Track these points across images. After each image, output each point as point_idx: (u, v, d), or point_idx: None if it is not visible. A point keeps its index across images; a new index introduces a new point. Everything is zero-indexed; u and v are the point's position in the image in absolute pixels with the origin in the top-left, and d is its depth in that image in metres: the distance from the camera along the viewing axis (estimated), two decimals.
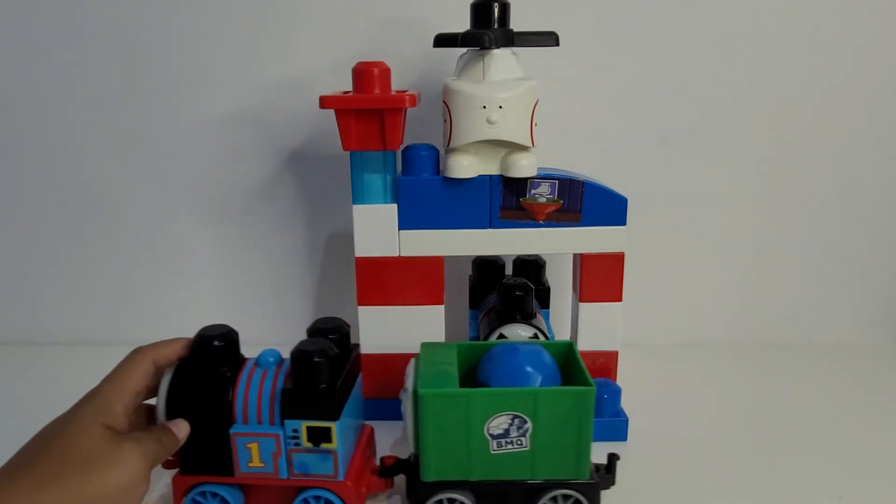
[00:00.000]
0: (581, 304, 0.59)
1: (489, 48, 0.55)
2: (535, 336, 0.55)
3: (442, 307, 0.59)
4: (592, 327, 0.60)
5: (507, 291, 0.56)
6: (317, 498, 0.46)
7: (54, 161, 0.74)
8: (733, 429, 0.60)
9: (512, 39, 0.55)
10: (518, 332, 0.55)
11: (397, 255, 0.58)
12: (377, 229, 0.58)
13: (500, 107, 0.53)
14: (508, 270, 0.70)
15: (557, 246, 0.58)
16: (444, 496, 0.46)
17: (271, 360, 0.47)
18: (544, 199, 0.57)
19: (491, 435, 0.45)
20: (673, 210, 0.74)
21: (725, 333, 0.77)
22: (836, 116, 0.71)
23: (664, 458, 0.56)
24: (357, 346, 0.51)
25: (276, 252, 0.76)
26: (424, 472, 0.46)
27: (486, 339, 0.55)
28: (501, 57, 0.55)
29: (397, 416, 0.55)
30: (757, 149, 0.72)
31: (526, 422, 0.45)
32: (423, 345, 0.53)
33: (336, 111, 0.54)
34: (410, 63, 0.68)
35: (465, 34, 0.54)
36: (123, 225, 0.76)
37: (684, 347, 0.76)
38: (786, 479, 0.53)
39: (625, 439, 0.58)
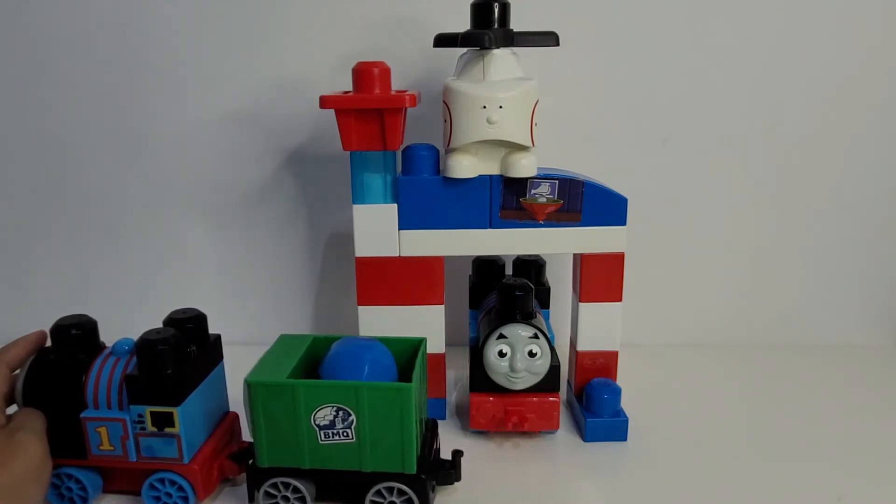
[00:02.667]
0: (581, 304, 0.59)
1: (489, 48, 0.55)
2: (535, 336, 0.55)
3: (442, 307, 0.59)
4: (592, 327, 0.60)
5: (507, 291, 0.56)
6: (164, 480, 0.48)
7: (53, 161, 0.74)
8: (733, 429, 0.60)
9: (512, 39, 0.55)
10: (518, 332, 0.55)
11: (397, 255, 0.58)
12: (377, 229, 0.58)
13: (501, 107, 0.53)
14: (509, 270, 0.70)
15: (557, 246, 0.58)
16: (277, 481, 0.48)
17: (126, 348, 0.49)
18: (544, 199, 0.57)
19: (318, 426, 0.46)
20: (673, 210, 0.74)
21: (725, 333, 0.77)
22: (837, 117, 0.71)
23: (664, 458, 0.56)
24: (217, 336, 0.53)
25: (276, 252, 0.76)
26: (259, 458, 0.48)
27: (486, 339, 0.55)
28: (501, 57, 0.55)
29: None
30: (757, 149, 0.72)
31: (350, 415, 0.46)
32: (281, 336, 0.54)
33: (336, 111, 0.54)
34: (410, 63, 0.68)
35: (465, 34, 0.54)
36: (123, 225, 0.76)
37: (684, 347, 0.76)
38: (785, 479, 0.53)
39: (625, 439, 0.58)
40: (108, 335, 0.51)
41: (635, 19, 0.68)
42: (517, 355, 0.55)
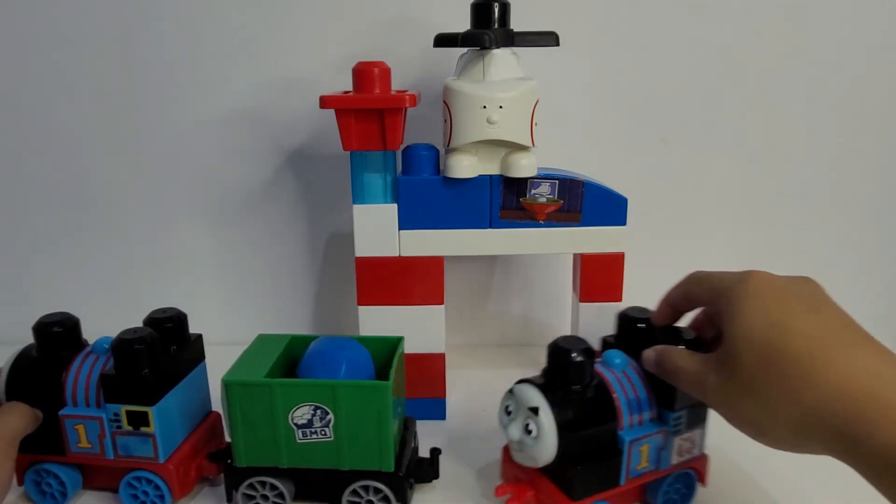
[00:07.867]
0: (581, 304, 0.59)
1: (489, 48, 0.55)
2: (535, 410, 0.44)
3: (442, 307, 0.59)
4: (592, 327, 0.60)
5: (562, 354, 0.45)
6: (140, 479, 0.49)
7: (53, 161, 0.74)
8: (733, 428, 0.60)
9: (512, 39, 0.55)
10: (523, 395, 0.44)
11: (397, 255, 0.58)
12: (377, 229, 0.58)
13: (501, 107, 0.53)
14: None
15: (557, 246, 0.58)
16: (254, 480, 0.48)
17: (105, 346, 0.49)
18: (544, 199, 0.57)
19: (296, 424, 0.46)
20: (673, 210, 0.74)
21: None
22: (836, 116, 0.71)
23: None
24: (199, 335, 0.53)
25: (276, 252, 0.76)
26: (237, 457, 0.48)
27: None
28: (502, 57, 0.55)
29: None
30: (757, 149, 0.72)
31: (328, 413, 0.46)
32: (259, 336, 0.54)
33: (336, 111, 0.54)
34: (410, 63, 0.68)
35: (466, 34, 0.54)
36: (123, 225, 0.76)
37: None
38: (785, 480, 0.53)
39: None
40: (106, 335, 0.51)
41: (635, 19, 0.68)
42: (515, 421, 0.45)
